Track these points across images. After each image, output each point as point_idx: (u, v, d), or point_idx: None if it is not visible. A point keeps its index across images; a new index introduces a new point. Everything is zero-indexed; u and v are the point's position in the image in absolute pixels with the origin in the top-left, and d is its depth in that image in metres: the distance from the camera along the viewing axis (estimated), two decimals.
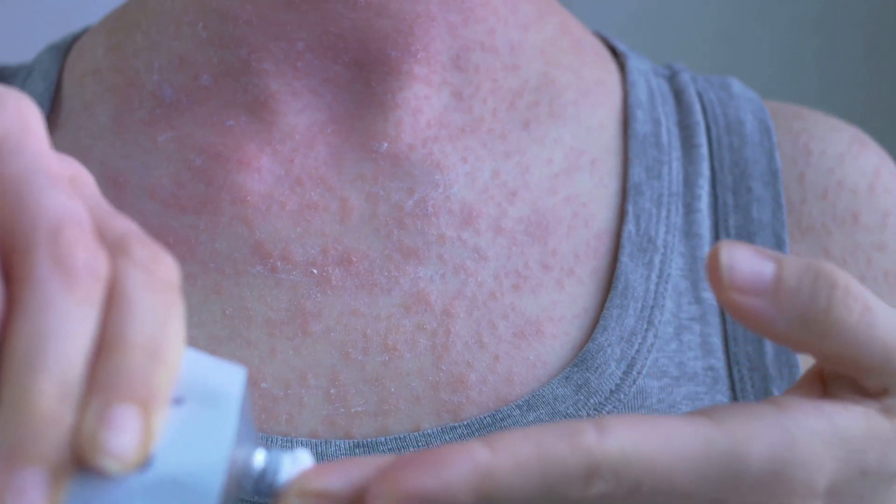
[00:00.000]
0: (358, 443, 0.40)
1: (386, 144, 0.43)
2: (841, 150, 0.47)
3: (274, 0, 0.42)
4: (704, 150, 0.47)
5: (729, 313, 0.31)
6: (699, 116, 0.48)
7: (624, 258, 0.44)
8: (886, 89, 1.24)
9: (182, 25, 0.44)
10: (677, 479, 0.28)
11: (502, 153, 0.44)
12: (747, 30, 1.22)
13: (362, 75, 0.43)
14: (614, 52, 0.50)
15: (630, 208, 0.44)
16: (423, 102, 0.43)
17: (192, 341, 0.41)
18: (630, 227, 0.44)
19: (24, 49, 0.52)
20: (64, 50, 0.49)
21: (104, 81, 0.45)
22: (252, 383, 0.40)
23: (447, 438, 0.40)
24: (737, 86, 0.50)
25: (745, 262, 0.30)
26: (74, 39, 0.50)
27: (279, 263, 0.42)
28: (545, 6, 0.47)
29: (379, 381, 0.41)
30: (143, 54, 0.45)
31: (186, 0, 0.44)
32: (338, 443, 0.40)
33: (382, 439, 0.40)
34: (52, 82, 0.47)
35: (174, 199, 0.43)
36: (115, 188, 0.43)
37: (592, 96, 0.47)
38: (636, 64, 0.49)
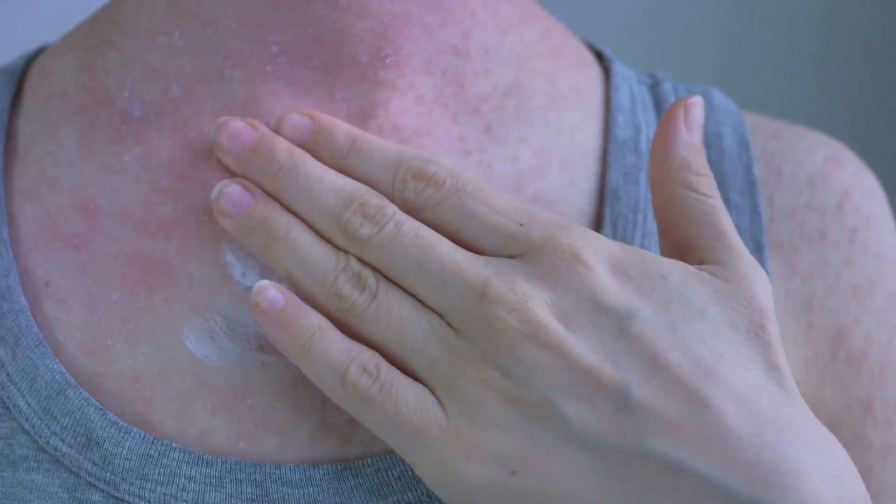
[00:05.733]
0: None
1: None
2: (811, 173, 0.47)
3: (256, 1, 0.42)
4: None
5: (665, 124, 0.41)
6: None
7: None
8: (886, 90, 1.24)
9: (158, 36, 0.43)
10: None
11: (460, 152, 0.44)
12: (747, 31, 1.22)
13: (327, 80, 0.43)
14: (600, 58, 0.50)
15: (607, 212, 0.44)
16: (379, 108, 0.43)
17: (174, 360, 0.41)
18: (607, 231, 0.44)
19: (23, 49, 0.51)
20: (17, 74, 0.47)
21: (71, 103, 0.44)
22: (241, 399, 0.40)
23: None
24: (717, 97, 0.49)
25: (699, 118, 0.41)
26: (28, 62, 0.48)
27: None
28: (528, 10, 0.47)
29: None
30: (117, 71, 0.44)
31: (165, 10, 0.43)
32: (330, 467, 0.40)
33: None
34: (6, 109, 0.46)
35: (144, 224, 0.42)
36: (86, 216, 0.43)
37: (564, 101, 0.46)
38: (621, 69, 0.49)
